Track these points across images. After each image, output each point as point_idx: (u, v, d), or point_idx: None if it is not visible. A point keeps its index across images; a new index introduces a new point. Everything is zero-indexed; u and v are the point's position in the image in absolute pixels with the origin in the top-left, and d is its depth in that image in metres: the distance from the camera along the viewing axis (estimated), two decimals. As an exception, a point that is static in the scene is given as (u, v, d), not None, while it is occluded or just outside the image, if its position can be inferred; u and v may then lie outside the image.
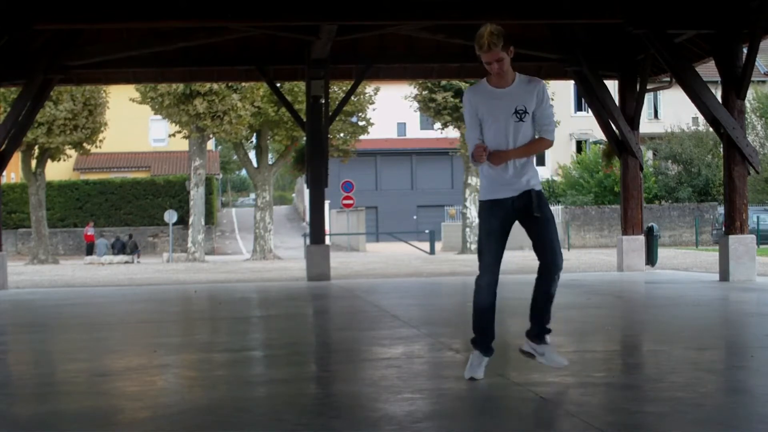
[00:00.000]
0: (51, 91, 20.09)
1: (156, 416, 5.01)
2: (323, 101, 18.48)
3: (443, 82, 35.99)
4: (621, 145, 18.19)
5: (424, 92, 37.76)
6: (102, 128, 37.06)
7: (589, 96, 18.36)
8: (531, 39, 18.16)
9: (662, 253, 25.68)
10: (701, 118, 35.28)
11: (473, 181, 37.95)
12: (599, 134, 38.03)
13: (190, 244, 37.01)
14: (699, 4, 15.00)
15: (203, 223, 37.87)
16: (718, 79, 15.16)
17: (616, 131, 18.14)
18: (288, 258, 37.78)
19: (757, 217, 32.07)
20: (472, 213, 38.13)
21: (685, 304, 11.55)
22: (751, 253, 15.02)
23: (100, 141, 37.68)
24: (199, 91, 33.96)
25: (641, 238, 18.53)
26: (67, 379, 6.53)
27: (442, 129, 40.04)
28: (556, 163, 52.78)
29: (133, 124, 54.36)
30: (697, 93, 14.78)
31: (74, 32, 17.13)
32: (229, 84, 32.90)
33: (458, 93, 36.49)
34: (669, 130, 48.69)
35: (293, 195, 77.11)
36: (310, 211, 19.99)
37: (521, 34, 17.74)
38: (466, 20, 15.05)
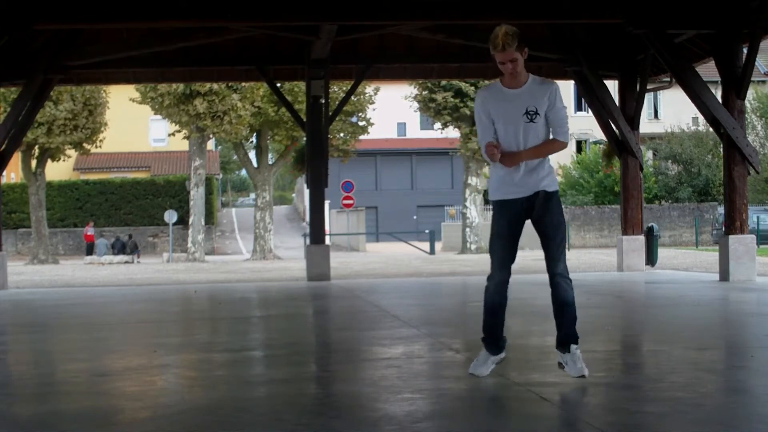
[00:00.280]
0: (51, 91, 20.08)
1: (156, 416, 5.01)
2: (323, 101, 18.48)
3: (443, 82, 35.97)
4: (621, 145, 18.18)
5: (424, 92, 37.74)
6: (102, 128, 37.04)
7: (589, 96, 18.36)
8: (531, 39, 18.03)
9: (662, 253, 25.67)
10: (701, 118, 35.28)
11: (473, 181, 37.95)
12: (599, 134, 38.01)
13: (190, 244, 37.00)
14: (699, 4, 14.99)
15: (203, 223, 37.86)
16: (718, 79, 15.15)
17: (616, 131, 18.14)
18: (288, 258, 37.77)
19: (757, 217, 32.09)
20: (472, 213, 38.13)
21: (685, 304, 11.54)
22: (751, 253, 15.02)
23: (100, 141, 37.66)
24: (199, 91, 33.95)
25: (641, 238, 18.53)
26: (67, 379, 6.53)
27: (442, 129, 40.03)
28: (557, 163, 52.78)
29: (133, 124, 54.34)
30: (697, 93, 14.77)
31: (74, 32, 17.12)
32: (229, 84, 32.89)
33: (458, 93, 36.51)
34: (669, 130, 48.70)
35: (293, 195, 77.12)
36: (310, 211, 19.98)
37: (521, 34, 17.70)
38: (466, 20, 15.06)
